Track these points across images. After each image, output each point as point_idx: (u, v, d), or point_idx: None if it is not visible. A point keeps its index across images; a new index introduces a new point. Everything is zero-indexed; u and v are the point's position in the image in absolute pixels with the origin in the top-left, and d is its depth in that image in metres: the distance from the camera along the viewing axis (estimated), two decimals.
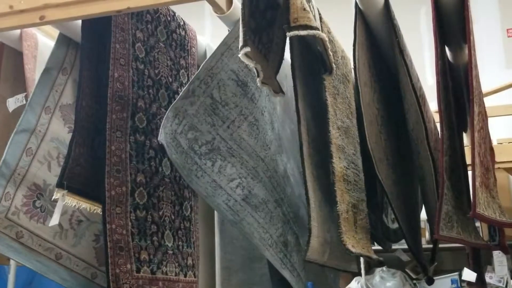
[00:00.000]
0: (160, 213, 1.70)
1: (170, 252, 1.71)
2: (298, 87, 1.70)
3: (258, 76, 1.47)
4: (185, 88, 1.62)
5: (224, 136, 1.70)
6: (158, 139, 1.55)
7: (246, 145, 1.77)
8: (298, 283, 1.86)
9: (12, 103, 1.91)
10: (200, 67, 1.66)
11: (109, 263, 1.50)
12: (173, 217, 1.75)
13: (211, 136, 1.66)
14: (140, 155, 1.67)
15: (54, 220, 1.60)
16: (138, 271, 1.56)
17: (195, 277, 1.81)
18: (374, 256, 1.78)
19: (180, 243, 1.76)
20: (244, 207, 1.70)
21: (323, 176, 1.75)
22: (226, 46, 1.73)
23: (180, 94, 1.61)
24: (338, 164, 1.69)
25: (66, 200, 1.57)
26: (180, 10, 2.01)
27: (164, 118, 1.56)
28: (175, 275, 1.71)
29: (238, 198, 1.70)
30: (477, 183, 1.49)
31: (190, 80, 1.65)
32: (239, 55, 1.38)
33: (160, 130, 1.55)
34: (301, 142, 1.66)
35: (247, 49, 1.35)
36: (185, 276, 1.76)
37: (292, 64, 1.72)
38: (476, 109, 1.55)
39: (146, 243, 1.62)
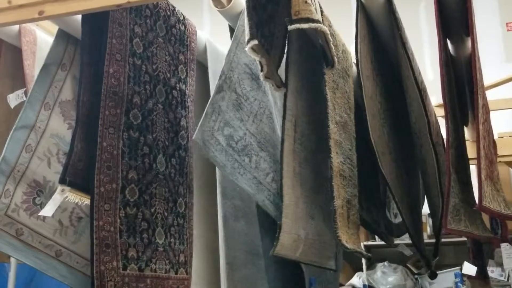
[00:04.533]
0: (152, 210, 1.68)
1: (161, 249, 1.69)
2: (291, 82, 1.68)
3: (262, 70, 1.46)
4: (216, 83, 1.61)
5: (252, 130, 1.69)
6: (193, 138, 1.52)
7: (269, 138, 1.77)
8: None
9: (13, 99, 1.89)
10: (224, 61, 1.66)
11: (94, 260, 1.48)
12: (166, 214, 1.73)
13: (242, 131, 1.65)
14: (133, 151, 1.65)
15: (48, 211, 1.56)
16: (124, 268, 1.54)
17: (187, 274, 1.79)
18: (365, 253, 1.79)
19: (172, 240, 1.74)
20: (279, 202, 1.69)
21: (310, 172, 1.73)
22: (237, 40, 1.72)
23: (214, 90, 1.60)
24: (336, 159, 1.68)
25: (68, 196, 1.55)
26: (178, 6, 1.99)
27: (203, 115, 1.53)
28: (165, 272, 1.69)
29: (275, 192, 1.69)
30: (482, 176, 1.47)
31: (219, 75, 1.65)
32: (246, 49, 1.36)
33: (198, 128, 1.52)
34: (283, 138, 1.64)
35: (255, 42, 1.34)
36: (176, 273, 1.74)
37: (287, 59, 1.70)
38: (480, 102, 1.54)
39: (135, 240, 1.60)
